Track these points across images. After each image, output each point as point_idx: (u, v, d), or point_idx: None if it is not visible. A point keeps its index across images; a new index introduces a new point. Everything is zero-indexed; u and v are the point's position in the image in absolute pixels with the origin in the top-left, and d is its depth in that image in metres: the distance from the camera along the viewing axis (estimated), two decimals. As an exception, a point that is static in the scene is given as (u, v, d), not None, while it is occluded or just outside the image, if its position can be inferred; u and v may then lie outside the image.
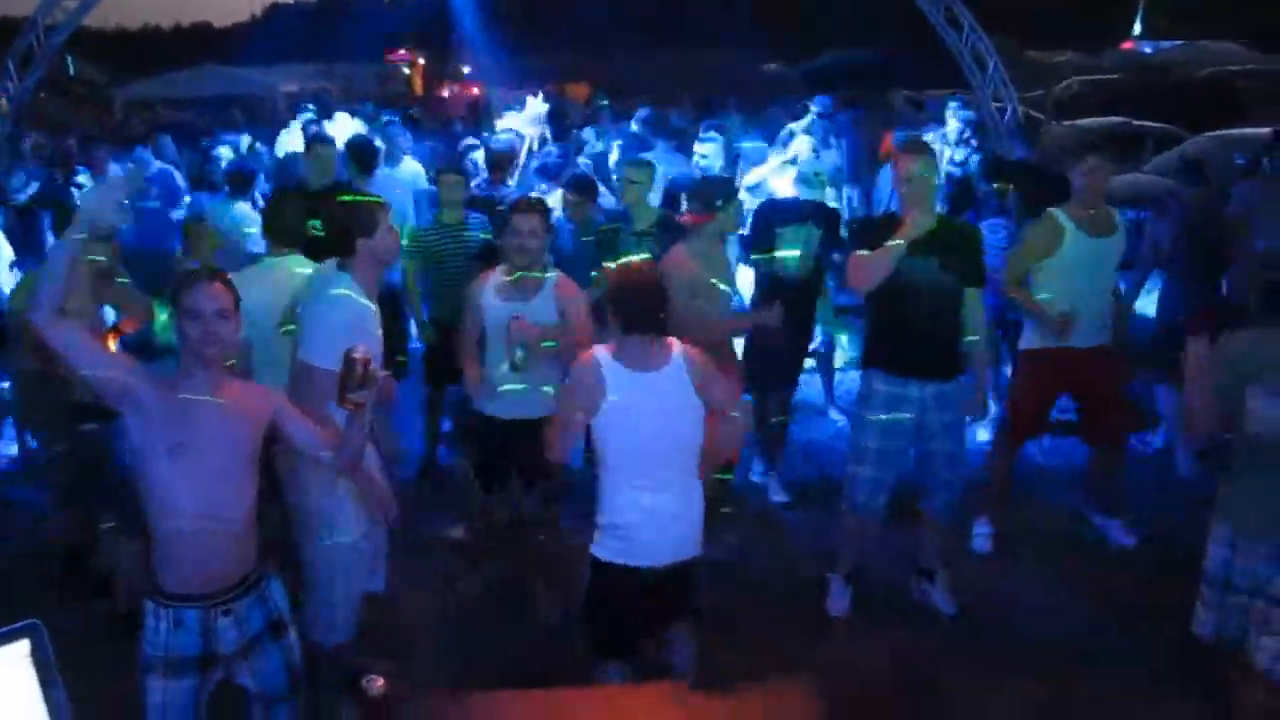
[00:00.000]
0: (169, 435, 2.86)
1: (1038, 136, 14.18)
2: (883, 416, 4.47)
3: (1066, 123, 15.10)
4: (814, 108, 9.17)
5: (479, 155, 8.53)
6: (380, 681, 3.08)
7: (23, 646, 1.31)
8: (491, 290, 4.48)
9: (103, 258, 4.82)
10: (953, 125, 8.46)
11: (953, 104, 8.87)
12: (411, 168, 8.42)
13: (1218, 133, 12.71)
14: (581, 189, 6.26)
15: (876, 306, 4.49)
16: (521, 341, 4.25)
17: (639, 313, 3.45)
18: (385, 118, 10.93)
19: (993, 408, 6.04)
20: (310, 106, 11.95)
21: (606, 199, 6.84)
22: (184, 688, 2.92)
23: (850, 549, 4.75)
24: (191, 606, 2.93)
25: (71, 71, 30.88)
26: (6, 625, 1.30)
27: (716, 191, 5.05)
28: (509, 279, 4.47)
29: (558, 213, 6.02)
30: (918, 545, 4.82)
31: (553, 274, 4.53)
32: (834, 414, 7.10)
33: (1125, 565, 5.14)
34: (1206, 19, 32.73)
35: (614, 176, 7.50)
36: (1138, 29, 33.59)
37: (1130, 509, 5.44)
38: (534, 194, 5.66)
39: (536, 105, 10.24)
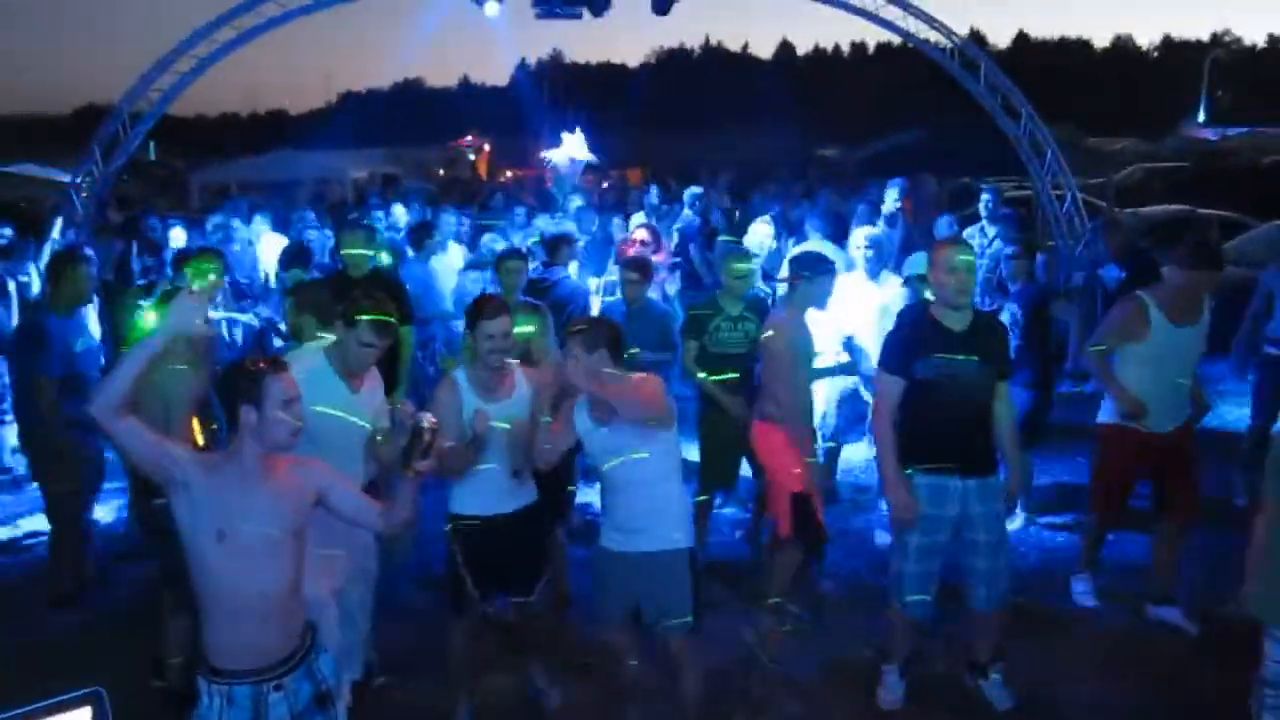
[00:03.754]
0: (215, 519, 2.94)
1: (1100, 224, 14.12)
2: (925, 512, 4.40)
3: (1129, 210, 15.00)
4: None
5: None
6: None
7: (84, 714, 1.35)
8: (466, 386, 4.33)
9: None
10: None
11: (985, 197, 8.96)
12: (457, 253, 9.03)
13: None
14: (640, 269, 6.53)
15: (915, 404, 4.40)
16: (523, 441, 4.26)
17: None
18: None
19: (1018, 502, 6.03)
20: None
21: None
22: None
23: (901, 643, 4.66)
24: (243, 683, 2.98)
25: (152, 156, 32.25)
26: (71, 692, 1.36)
27: (810, 263, 5.45)
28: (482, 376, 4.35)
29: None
30: (969, 640, 4.71)
31: (518, 369, 4.45)
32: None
33: (1187, 655, 4.97)
34: (1270, 105, 32.54)
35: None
36: (1201, 116, 33.45)
37: (1196, 597, 5.28)
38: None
39: (574, 140, 10.86)
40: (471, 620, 4.45)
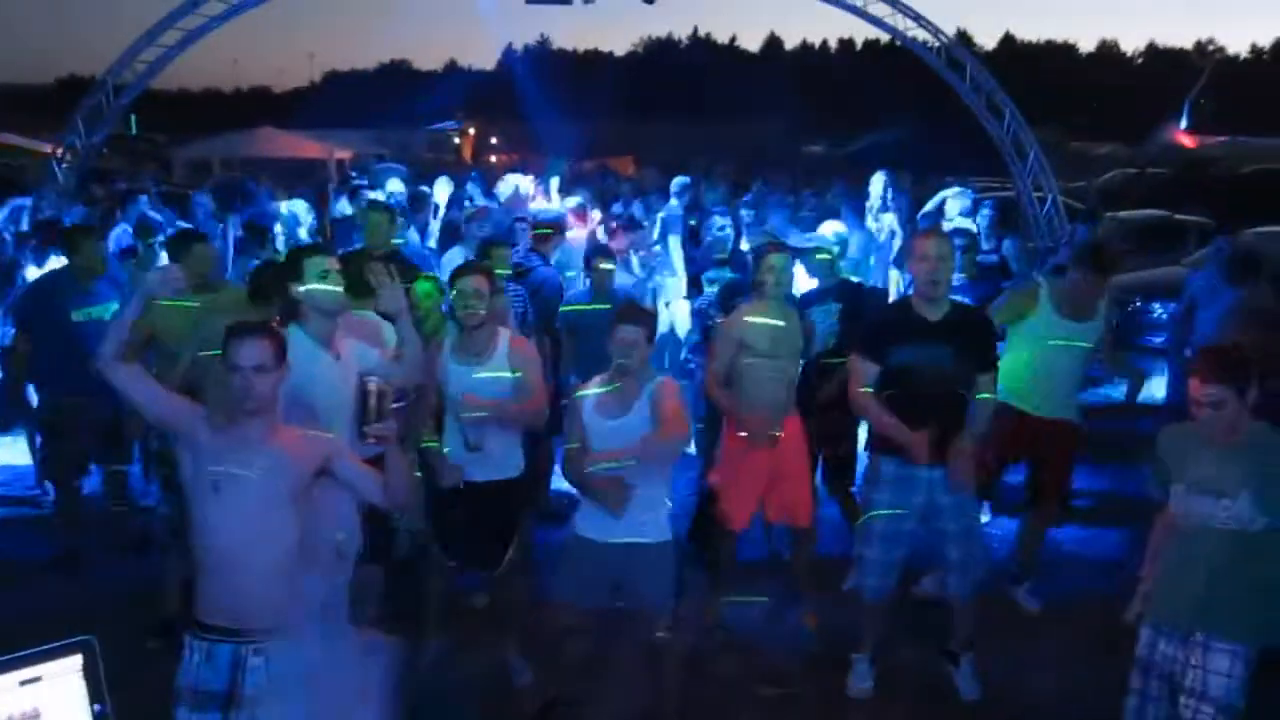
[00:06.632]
0: (214, 471, 2.99)
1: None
2: (888, 498, 4.46)
3: (1109, 214, 15.12)
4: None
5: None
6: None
7: (76, 661, 1.38)
8: (449, 353, 4.49)
9: None
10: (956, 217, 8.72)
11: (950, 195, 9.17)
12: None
13: (1264, 229, 12.57)
14: (608, 255, 6.58)
15: (886, 391, 4.43)
16: (475, 419, 4.34)
17: None
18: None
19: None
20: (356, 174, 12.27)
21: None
22: None
23: (871, 630, 4.72)
24: (224, 641, 3.00)
25: (134, 130, 31.92)
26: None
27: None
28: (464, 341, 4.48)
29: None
30: (944, 626, 4.77)
31: (504, 332, 4.59)
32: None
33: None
34: (1251, 115, 32.86)
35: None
36: (1183, 123, 33.70)
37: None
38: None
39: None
40: (441, 583, 4.62)
